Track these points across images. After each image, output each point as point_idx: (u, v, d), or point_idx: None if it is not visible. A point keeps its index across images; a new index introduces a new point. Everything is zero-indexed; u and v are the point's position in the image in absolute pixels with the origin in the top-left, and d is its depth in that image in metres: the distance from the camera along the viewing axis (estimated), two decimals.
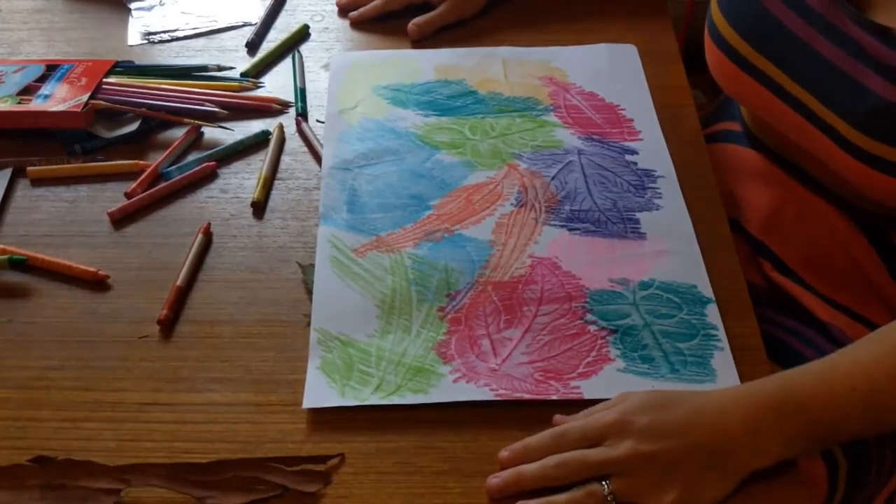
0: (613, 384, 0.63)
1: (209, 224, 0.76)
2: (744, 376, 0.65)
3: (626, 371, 0.65)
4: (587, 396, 0.63)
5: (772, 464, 0.58)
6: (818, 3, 0.70)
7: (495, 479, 0.59)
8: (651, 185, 0.78)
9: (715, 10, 0.79)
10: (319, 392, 0.63)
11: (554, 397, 0.63)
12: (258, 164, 0.82)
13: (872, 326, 0.76)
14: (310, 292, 0.70)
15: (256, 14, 1.00)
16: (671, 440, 0.58)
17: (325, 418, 0.63)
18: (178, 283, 0.71)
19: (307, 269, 0.72)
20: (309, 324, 0.68)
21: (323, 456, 0.60)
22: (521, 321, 0.68)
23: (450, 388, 0.64)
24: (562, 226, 0.74)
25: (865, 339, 0.63)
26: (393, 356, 0.65)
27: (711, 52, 0.81)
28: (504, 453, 0.60)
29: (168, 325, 0.69)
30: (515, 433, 0.61)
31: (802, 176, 0.80)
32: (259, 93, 0.91)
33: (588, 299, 0.69)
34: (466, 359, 0.65)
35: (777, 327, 0.79)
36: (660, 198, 0.77)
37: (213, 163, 0.82)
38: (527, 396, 0.63)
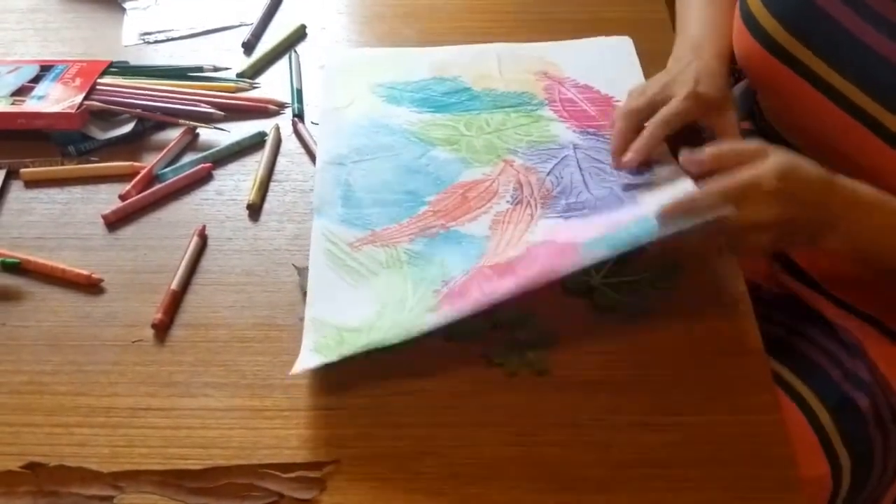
0: None
1: (204, 226, 0.75)
2: (744, 379, 0.64)
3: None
4: None
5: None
6: None
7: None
8: (648, 172, 0.77)
9: (753, 0, 0.79)
10: (311, 361, 0.63)
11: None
12: (254, 165, 0.82)
13: (881, 327, 0.76)
14: (305, 296, 0.69)
15: (253, 14, 0.99)
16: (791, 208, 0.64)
17: (321, 424, 0.62)
18: (174, 286, 0.70)
19: (303, 272, 0.71)
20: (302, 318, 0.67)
21: (318, 462, 0.60)
22: (515, 274, 0.67)
23: (440, 317, 0.64)
24: (558, 216, 0.73)
25: None
26: (384, 326, 0.65)
27: (745, 42, 0.80)
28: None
29: (163, 330, 0.68)
30: (514, 438, 0.61)
31: None
32: (255, 94, 0.90)
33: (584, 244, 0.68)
34: (454, 301, 0.66)
35: (780, 328, 0.78)
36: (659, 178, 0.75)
37: (208, 164, 0.81)
38: (523, 281, 0.65)
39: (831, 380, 0.75)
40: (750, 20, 0.78)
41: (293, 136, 0.85)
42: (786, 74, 0.77)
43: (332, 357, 0.63)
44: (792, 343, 0.78)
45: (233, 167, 0.82)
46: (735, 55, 0.81)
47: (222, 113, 0.86)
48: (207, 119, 0.85)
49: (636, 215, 0.69)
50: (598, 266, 0.70)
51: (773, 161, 0.65)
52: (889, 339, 0.77)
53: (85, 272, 0.71)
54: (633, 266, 0.71)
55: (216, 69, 0.92)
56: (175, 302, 0.70)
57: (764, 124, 0.87)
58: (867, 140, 0.72)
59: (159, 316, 0.68)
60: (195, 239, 0.74)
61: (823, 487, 0.74)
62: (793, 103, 0.79)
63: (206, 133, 0.85)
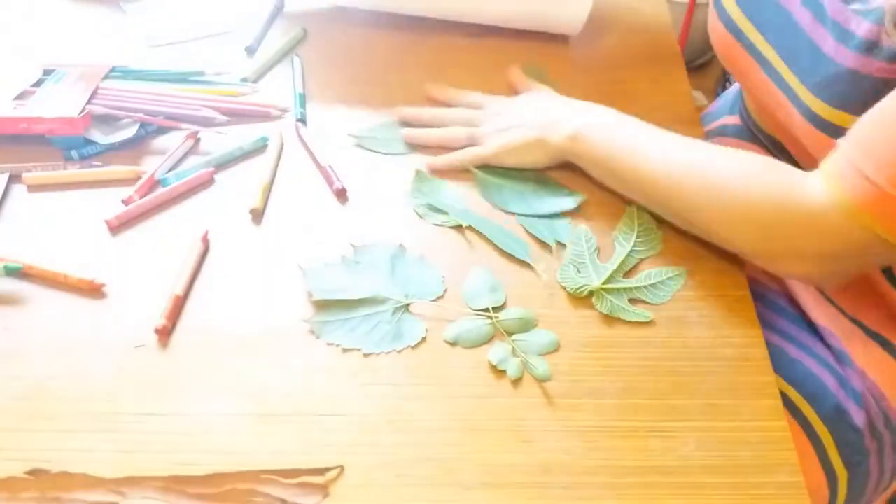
0: None
1: (207, 232, 0.75)
2: (749, 387, 0.64)
3: None
4: None
5: (564, 142, 0.77)
6: None
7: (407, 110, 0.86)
8: None
9: None
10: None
11: None
12: (257, 170, 0.82)
13: (868, 331, 0.76)
14: (311, 297, 0.70)
15: (255, 17, 0.99)
16: (523, 114, 0.81)
17: (324, 429, 0.62)
18: (177, 292, 0.70)
19: (308, 274, 0.71)
20: (311, 331, 0.68)
21: (321, 468, 0.60)
22: None
23: None
24: None
25: (677, 139, 0.74)
26: None
27: (715, 26, 0.81)
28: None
29: (166, 335, 0.68)
30: (519, 445, 0.60)
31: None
32: (257, 98, 0.90)
33: None
34: None
35: (774, 333, 0.78)
36: None
37: (211, 169, 0.81)
38: None
39: (826, 389, 0.75)
40: (718, 3, 0.79)
41: (296, 140, 0.85)
42: (746, 60, 0.78)
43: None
44: (784, 349, 0.77)
45: (235, 172, 0.82)
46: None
47: (225, 117, 0.86)
48: (210, 123, 0.85)
49: None
50: (599, 272, 0.70)
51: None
52: (875, 342, 0.77)
53: (87, 277, 0.71)
54: (636, 271, 0.71)
55: (218, 74, 0.92)
56: (178, 307, 0.70)
57: (750, 122, 0.88)
58: (796, 118, 0.72)
59: (163, 321, 0.68)
60: (198, 244, 0.74)
61: (820, 497, 0.74)
62: (754, 91, 0.79)
63: (208, 137, 0.85)
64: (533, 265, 0.72)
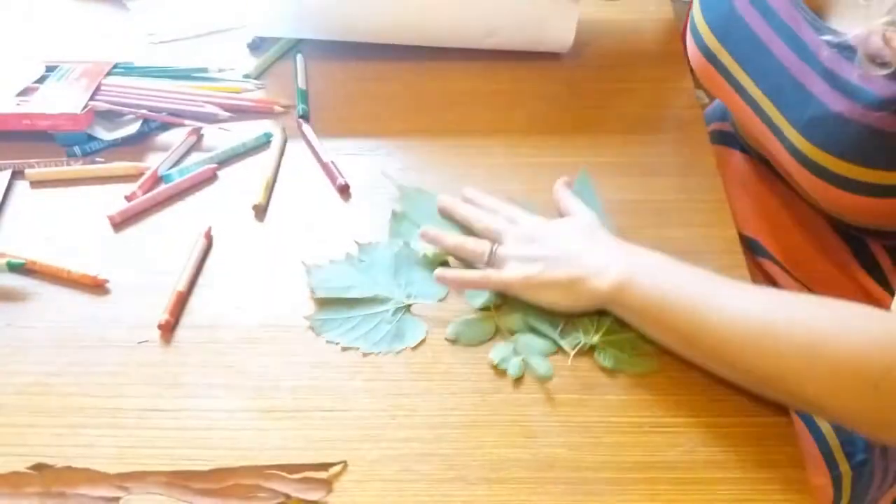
0: None
1: (210, 228, 0.75)
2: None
3: None
4: None
5: (609, 290, 0.64)
6: (779, 3, 0.69)
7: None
8: None
9: (695, 6, 0.80)
10: None
11: None
12: (259, 166, 0.81)
13: None
14: (314, 293, 0.70)
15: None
16: (556, 248, 0.67)
17: (328, 425, 0.62)
18: (179, 288, 0.70)
19: (312, 271, 0.71)
20: (311, 327, 0.68)
21: (325, 464, 0.59)
22: None
23: None
24: None
25: (745, 287, 0.64)
26: None
27: (691, 47, 0.81)
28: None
29: (169, 331, 0.68)
30: (522, 440, 0.60)
31: (782, 177, 0.80)
32: (260, 95, 0.90)
33: None
34: None
35: None
36: None
37: (214, 166, 0.81)
38: None
39: None
40: (692, 25, 0.80)
41: (298, 136, 0.85)
42: (720, 81, 0.78)
43: None
44: None
45: (238, 168, 0.82)
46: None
47: (227, 114, 0.86)
48: (212, 120, 0.85)
49: None
50: (598, 325, 0.68)
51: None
52: None
53: (91, 273, 0.71)
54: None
55: (221, 70, 0.92)
56: (181, 303, 0.70)
57: (737, 134, 0.88)
58: (780, 150, 0.72)
59: (166, 317, 0.68)
60: (201, 240, 0.74)
61: (825, 497, 0.74)
62: (737, 114, 0.80)
63: (211, 134, 0.85)
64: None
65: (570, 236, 0.68)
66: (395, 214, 0.76)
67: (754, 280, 0.73)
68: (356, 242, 0.74)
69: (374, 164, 0.82)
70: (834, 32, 0.64)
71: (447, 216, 0.75)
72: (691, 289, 0.62)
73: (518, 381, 0.65)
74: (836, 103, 0.64)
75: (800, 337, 0.57)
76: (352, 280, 0.71)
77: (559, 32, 0.90)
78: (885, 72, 0.61)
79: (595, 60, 0.94)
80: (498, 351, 0.66)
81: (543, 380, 0.65)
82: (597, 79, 0.92)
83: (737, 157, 0.86)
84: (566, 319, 0.68)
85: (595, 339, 0.66)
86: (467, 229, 0.74)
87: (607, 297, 0.64)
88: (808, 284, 0.80)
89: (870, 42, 0.60)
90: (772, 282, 0.82)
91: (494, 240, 0.70)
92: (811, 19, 0.67)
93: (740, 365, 0.60)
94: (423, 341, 0.67)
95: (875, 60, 0.61)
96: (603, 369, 0.65)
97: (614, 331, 0.67)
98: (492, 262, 0.69)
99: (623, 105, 0.82)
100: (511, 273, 0.67)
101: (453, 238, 0.72)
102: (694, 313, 0.61)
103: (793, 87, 0.68)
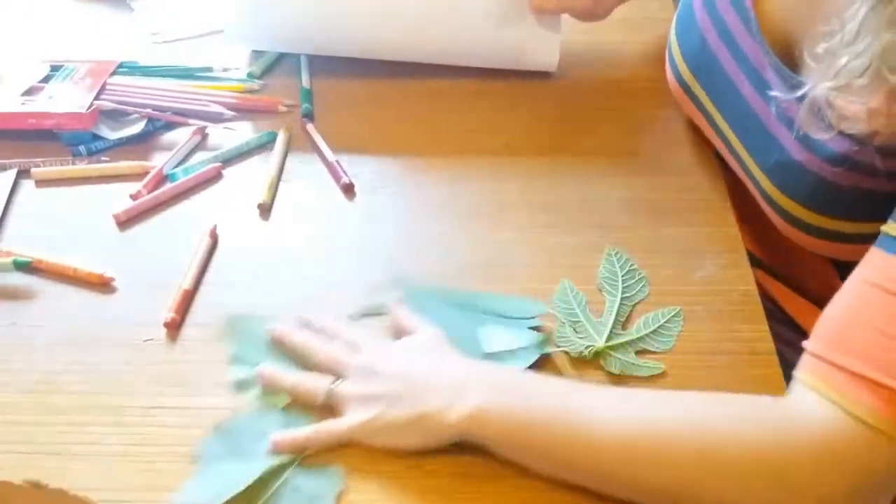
0: None
1: (215, 226, 0.75)
2: (756, 381, 0.64)
3: None
4: None
5: (461, 422, 0.57)
6: (747, 45, 0.70)
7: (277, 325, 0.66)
8: None
9: (672, 30, 0.81)
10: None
11: None
12: (264, 165, 0.82)
13: None
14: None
15: None
16: (399, 381, 0.60)
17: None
18: (185, 286, 0.70)
19: (233, 323, 0.68)
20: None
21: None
22: None
23: None
24: None
25: (619, 393, 0.61)
26: None
27: (668, 71, 0.82)
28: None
29: (175, 329, 0.68)
30: None
31: None
32: (264, 94, 0.90)
33: None
34: None
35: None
36: None
37: (218, 164, 0.81)
38: None
39: None
40: (669, 51, 0.80)
41: (303, 135, 0.85)
42: (693, 110, 0.79)
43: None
44: (783, 353, 0.77)
45: (243, 167, 0.82)
46: None
47: (232, 113, 0.86)
48: (217, 119, 0.86)
49: None
50: (598, 329, 0.67)
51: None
52: None
53: (97, 271, 0.71)
54: (632, 319, 0.69)
55: (225, 69, 0.92)
56: (187, 301, 0.70)
57: None
58: (749, 186, 0.73)
59: (172, 315, 0.68)
60: (206, 238, 0.74)
61: None
62: (706, 135, 0.81)
63: (215, 133, 0.85)
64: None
65: (413, 360, 0.62)
66: (232, 359, 0.66)
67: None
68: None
69: (378, 162, 0.82)
70: (798, 84, 0.61)
71: (280, 348, 0.66)
72: (559, 404, 0.57)
73: None
74: (798, 153, 0.65)
75: (691, 441, 0.54)
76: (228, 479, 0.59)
77: (543, 56, 0.90)
78: (825, 135, 0.61)
79: (594, 58, 0.94)
80: None
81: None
82: (593, 78, 0.92)
83: None
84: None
85: (600, 344, 0.66)
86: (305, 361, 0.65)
87: (461, 432, 0.58)
88: (796, 281, 0.80)
89: (813, 103, 0.59)
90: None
91: (335, 373, 0.63)
92: (775, 65, 0.67)
93: (628, 481, 0.55)
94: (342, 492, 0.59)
95: (816, 120, 0.61)
96: (610, 375, 0.65)
97: (619, 335, 0.67)
98: (331, 402, 0.62)
99: (624, 105, 0.82)
100: (348, 422, 0.60)
101: (292, 377, 0.63)
102: (567, 432, 0.56)
103: (759, 130, 0.69)
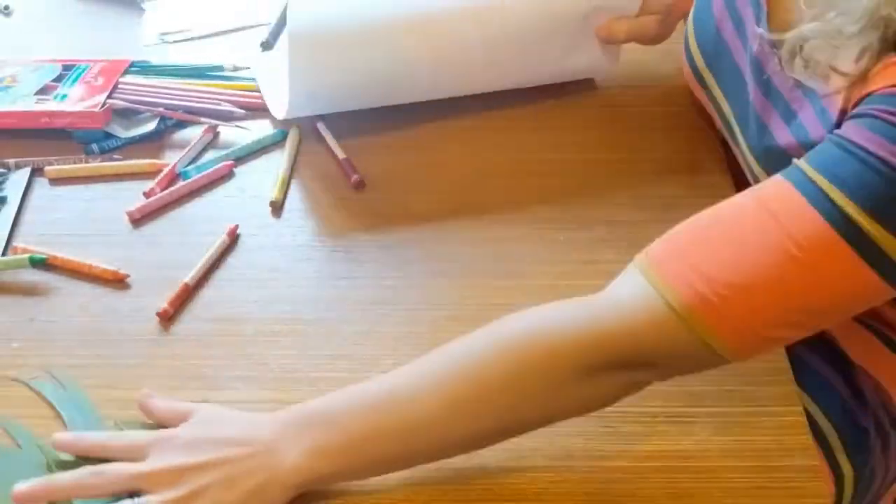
0: None
1: (236, 227, 0.76)
2: (764, 373, 0.65)
3: None
4: None
5: (296, 480, 0.54)
6: (754, 40, 0.70)
7: (23, 485, 0.55)
8: None
9: (689, 22, 0.81)
10: None
11: None
12: (275, 163, 0.83)
13: (875, 330, 0.77)
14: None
15: (270, 13, 1.00)
16: (202, 453, 0.55)
17: None
18: (186, 280, 0.71)
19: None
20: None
21: None
22: None
23: None
24: None
25: (417, 364, 0.58)
26: None
27: (684, 63, 0.83)
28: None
29: (167, 320, 0.69)
30: (540, 430, 0.61)
31: None
32: None
33: None
34: None
35: None
36: None
37: (230, 162, 0.82)
38: None
39: (832, 388, 0.75)
40: (686, 43, 0.81)
41: (313, 133, 0.86)
42: (707, 101, 0.79)
43: None
44: (794, 351, 0.78)
45: (254, 165, 0.83)
46: None
47: (243, 111, 0.87)
48: (228, 117, 0.86)
49: None
50: None
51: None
52: (879, 341, 0.77)
53: (111, 268, 0.72)
54: None
55: (236, 68, 0.93)
56: (184, 295, 0.70)
57: None
58: (746, 175, 0.74)
59: (164, 306, 0.69)
60: (223, 238, 0.74)
61: (827, 496, 0.75)
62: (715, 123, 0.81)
63: (227, 131, 0.86)
64: None
65: (216, 440, 0.57)
66: None
67: None
68: None
69: (388, 160, 0.83)
70: (793, 79, 0.64)
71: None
72: (367, 408, 0.56)
73: None
74: (783, 137, 0.66)
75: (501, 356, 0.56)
76: None
77: (597, 75, 0.91)
78: (806, 76, 0.61)
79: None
80: None
81: None
82: (606, 76, 0.92)
83: None
84: None
85: None
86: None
87: (298, 486, 0.55)
88: None
89: (796, 42, 0.59)
90: None
91: (135, 491, 0.56)
92: (777, 63, 0.67)
93: (467, 432, 0.56)
94: None
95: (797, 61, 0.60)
96: None
97: None
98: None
99: (634, 104, 0.83)
100: None
101: (93, 437, 0.59)
102: (389, 427, 0.55)
103: (754, 118, 0.70)
